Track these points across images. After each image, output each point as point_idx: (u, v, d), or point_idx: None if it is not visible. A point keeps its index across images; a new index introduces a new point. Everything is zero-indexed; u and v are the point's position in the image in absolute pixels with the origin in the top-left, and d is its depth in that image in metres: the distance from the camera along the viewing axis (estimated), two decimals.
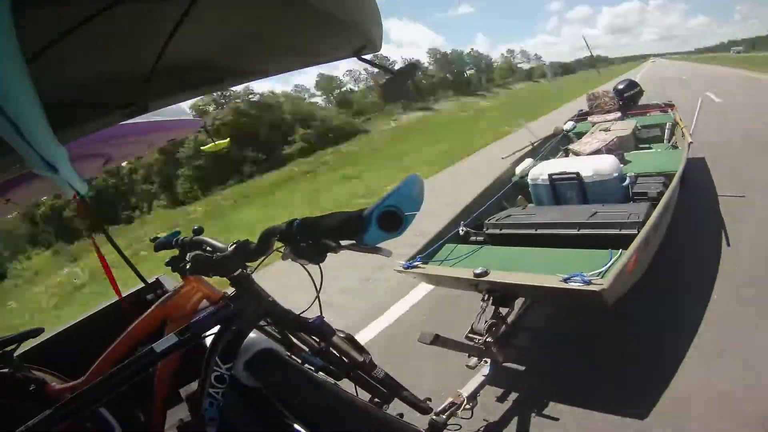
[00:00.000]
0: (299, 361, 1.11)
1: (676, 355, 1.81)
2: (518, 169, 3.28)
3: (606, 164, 2.65)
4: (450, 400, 1.58)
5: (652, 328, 2.04)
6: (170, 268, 1.20)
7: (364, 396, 1.18)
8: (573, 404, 1.71)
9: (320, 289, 1.02)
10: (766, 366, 1.64)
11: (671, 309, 2.14)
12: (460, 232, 2.52)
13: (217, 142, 7.26)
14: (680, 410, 1.56)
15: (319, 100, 29.43)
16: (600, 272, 1.57)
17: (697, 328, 1.94)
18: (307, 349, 1.18)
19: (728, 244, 2.61)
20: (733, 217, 2.94)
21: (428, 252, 2.24)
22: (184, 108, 2.18)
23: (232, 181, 17.91)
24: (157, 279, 1.70)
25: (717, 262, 2.43)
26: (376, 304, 3.03)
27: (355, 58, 1.23)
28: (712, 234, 2.76)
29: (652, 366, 1.80)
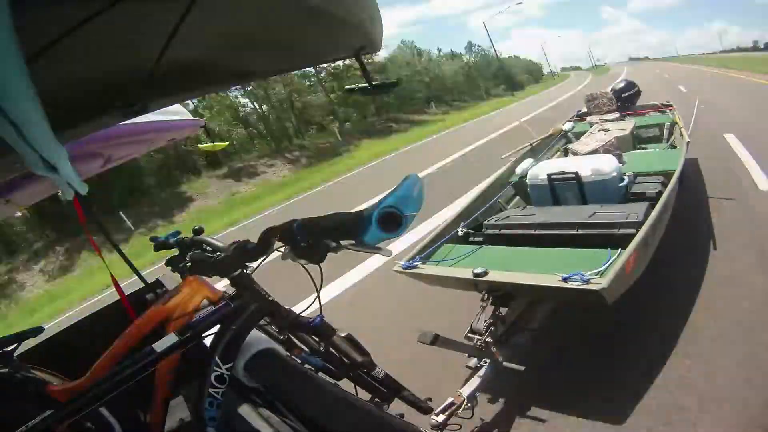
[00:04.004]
0: (299, 361, 1.11)
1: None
2: (517, 170, 3.29)
3: (604, 164, 2.65)
4: (450, 399, 1.59)
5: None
6: (170, 268, 1.20)
7: (365, 396, 1.18)
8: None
9: (320, 289, 1.02)
10: None
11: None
12: (460, 232, 2.52)
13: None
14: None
15: None
16: (599, 271, 1.58)
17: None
18: (307, 349, 1.18)
19: None
20: None
21: (427, 252, 2.24)
22: (184, 108, 2.18)
23: None
24: (157, 279, 1.70)
25: None
26: None
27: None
28: None
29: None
